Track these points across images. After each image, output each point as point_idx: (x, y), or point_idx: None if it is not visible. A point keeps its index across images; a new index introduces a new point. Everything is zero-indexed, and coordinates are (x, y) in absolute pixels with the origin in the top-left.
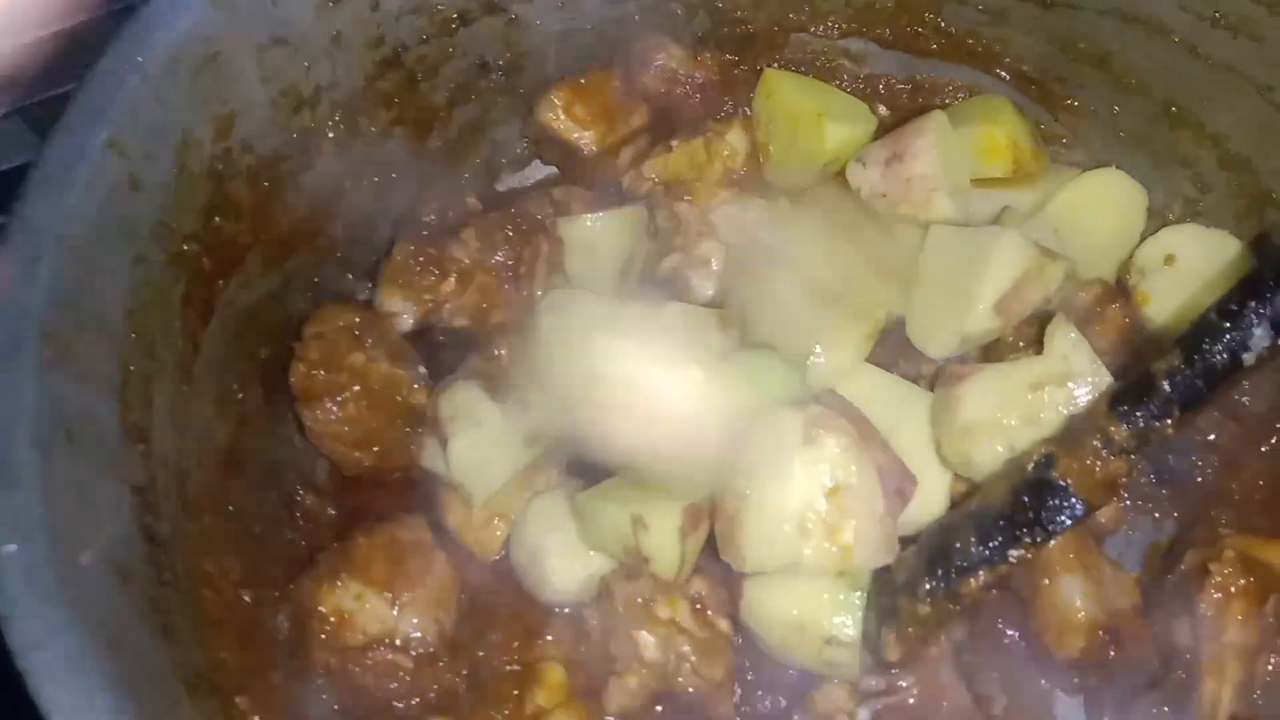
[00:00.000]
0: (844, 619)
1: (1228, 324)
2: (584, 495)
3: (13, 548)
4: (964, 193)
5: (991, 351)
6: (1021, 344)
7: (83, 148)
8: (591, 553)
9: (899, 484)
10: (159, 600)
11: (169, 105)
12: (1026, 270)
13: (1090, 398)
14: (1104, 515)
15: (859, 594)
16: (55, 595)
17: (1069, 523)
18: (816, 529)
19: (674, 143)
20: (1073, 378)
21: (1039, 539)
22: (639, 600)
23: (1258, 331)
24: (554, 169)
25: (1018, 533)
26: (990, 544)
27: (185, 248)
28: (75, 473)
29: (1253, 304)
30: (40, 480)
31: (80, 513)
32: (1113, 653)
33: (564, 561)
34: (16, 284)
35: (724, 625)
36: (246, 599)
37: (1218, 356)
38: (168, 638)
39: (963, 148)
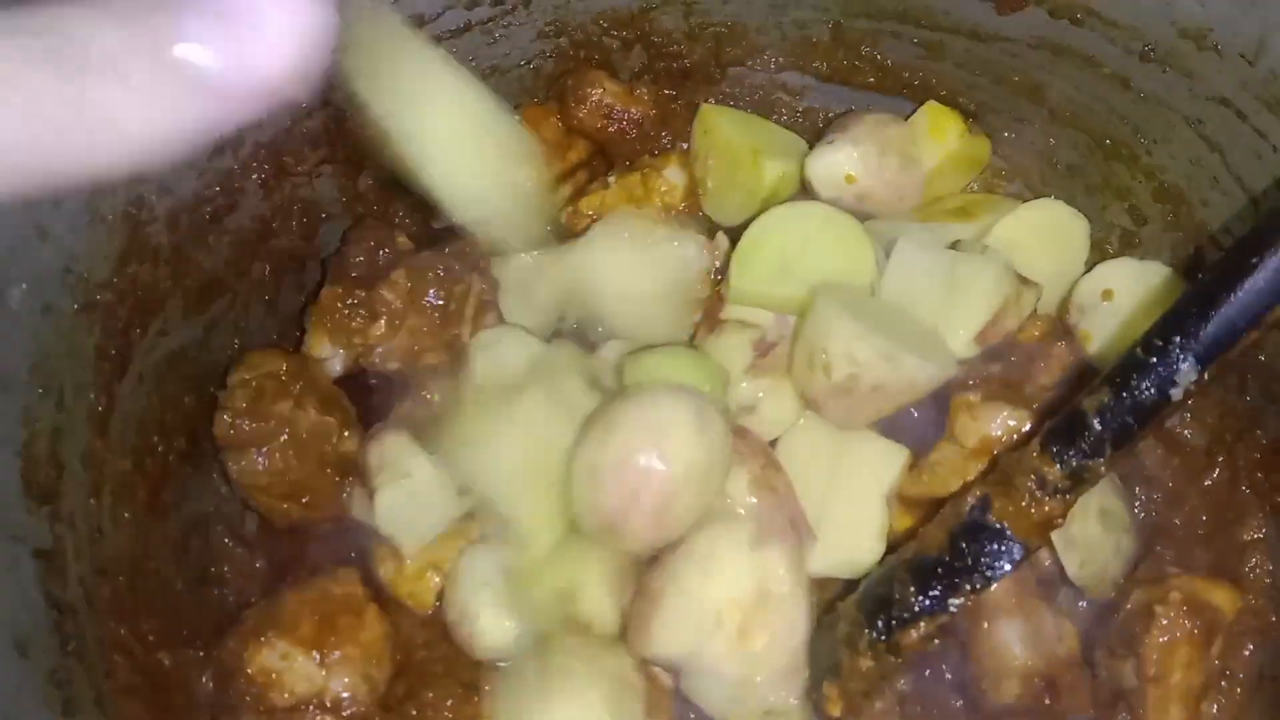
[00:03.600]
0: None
1: (1154, 359)
2: (510, 575)
3: None
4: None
5: None
6: None
7: None
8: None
9: (793, 517)
10: (62, 672)
11: None
12: (1006, 299)
13: None
14: (1047, 557)
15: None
16: None
17: (1008, 567)
18: (729, 627)
19: (611, 178)
20: None
21: (979, 585)
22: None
23: (1184, 366)
24: None
25: (957, 580)
26: (930, 593)
27: (98, 296)
28: None
29: (1177, 339)
30: None
31: None
32: (1048, 701)
33: (495, 619)
34: None
35: (666, 678)
36: (165, 662)
37: (1146, 393)
38: (69, 713)
39: (909, 132)
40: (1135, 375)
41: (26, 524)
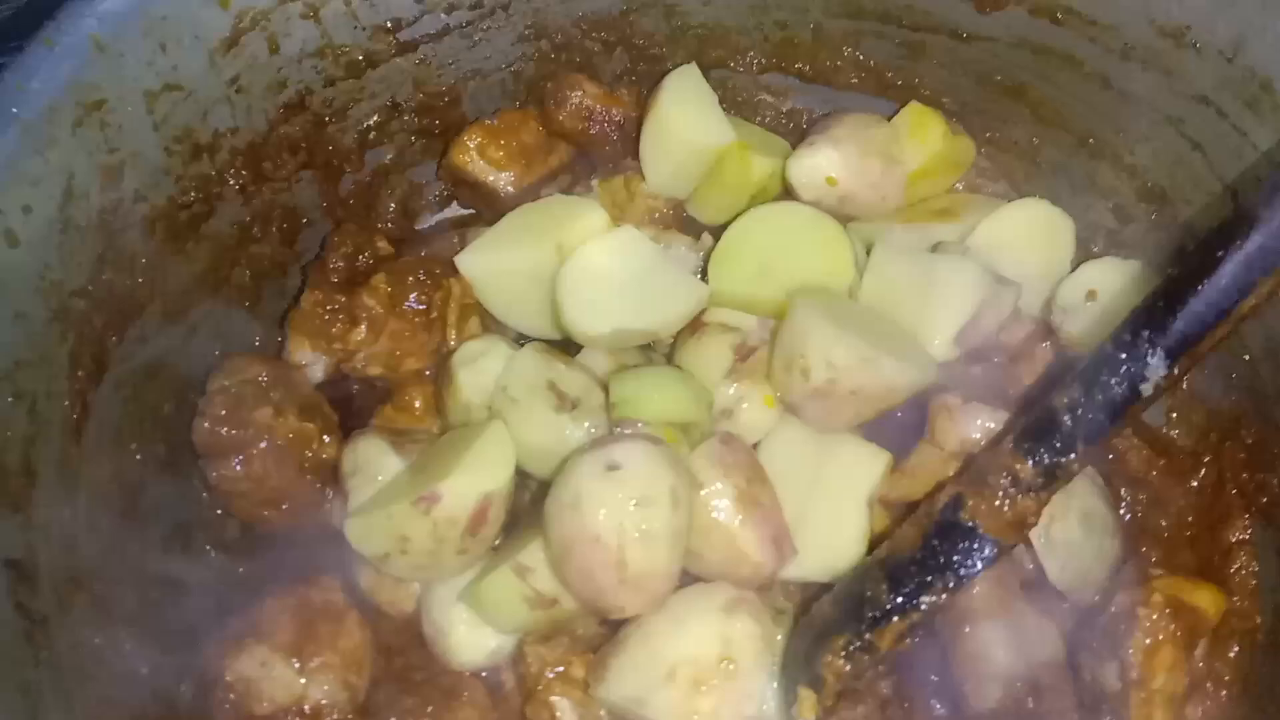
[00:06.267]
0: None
1: (1123, 354)
2: (465, 590)
3: None
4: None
5: None
6: None
7: None
8: None
9: (776, 534)
10: (32, 684)
11: (48, 157)
12: (984, 300)
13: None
14: (1029, 560)
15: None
16: None
17: (981, 566)
18: (681, 682)
19: (594, 181)
20: None
21: (952, 584)
22: (553, 663)
23: (1153, 361)
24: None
25: (929, 578)
26: (903, 592)
27: (72, 303)
28: None
29: (1146, 333)
30: None
31: None
32: (1031, 704)
33: (469, 634)
34: None
35: None
36: (142, 671)
37: (1116, 389)
38: None
39: (891, 133)
40: (1105, 371)
41: None
